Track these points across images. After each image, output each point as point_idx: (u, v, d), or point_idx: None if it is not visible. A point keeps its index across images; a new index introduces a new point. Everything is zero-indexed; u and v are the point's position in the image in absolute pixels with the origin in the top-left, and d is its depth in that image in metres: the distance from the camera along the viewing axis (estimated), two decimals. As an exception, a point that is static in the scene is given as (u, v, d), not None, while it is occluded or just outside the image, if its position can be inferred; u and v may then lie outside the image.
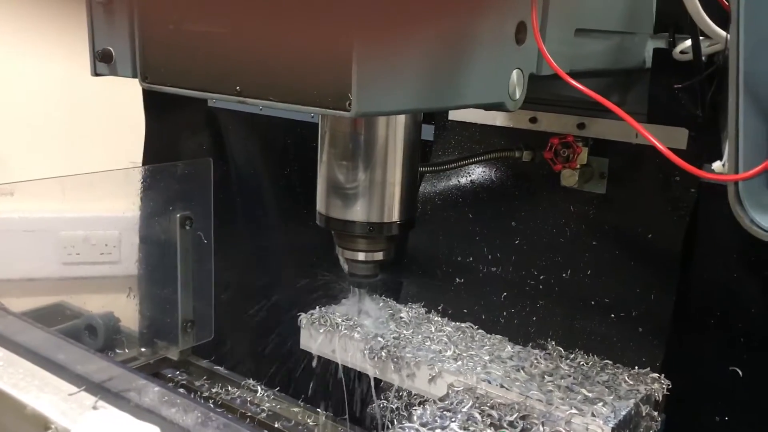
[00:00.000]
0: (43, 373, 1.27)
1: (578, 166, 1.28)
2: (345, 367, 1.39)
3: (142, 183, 1.77)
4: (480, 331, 1.38)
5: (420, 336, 1.35)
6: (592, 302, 1.32)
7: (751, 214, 0.75)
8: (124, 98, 1.90)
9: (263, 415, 1.63)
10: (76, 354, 1.34)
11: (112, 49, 0.92)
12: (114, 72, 0.93)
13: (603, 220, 1.32)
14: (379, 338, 1.32)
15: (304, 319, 1.42)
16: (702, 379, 1.26)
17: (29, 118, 2.29)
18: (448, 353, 1.28)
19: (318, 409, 1.62)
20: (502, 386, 1.17)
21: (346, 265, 1.23)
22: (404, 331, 1.36)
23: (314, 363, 1.44)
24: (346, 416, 1.55)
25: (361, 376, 1.39)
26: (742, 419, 1.24)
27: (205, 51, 0.83)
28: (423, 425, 1.07)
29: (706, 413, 1.26)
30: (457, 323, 1.41)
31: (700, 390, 1.26)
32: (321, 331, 1.38)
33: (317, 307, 1.43)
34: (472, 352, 1.29)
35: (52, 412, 1.15)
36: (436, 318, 1.44)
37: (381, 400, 1.39)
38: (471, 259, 1.45)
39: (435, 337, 1.35)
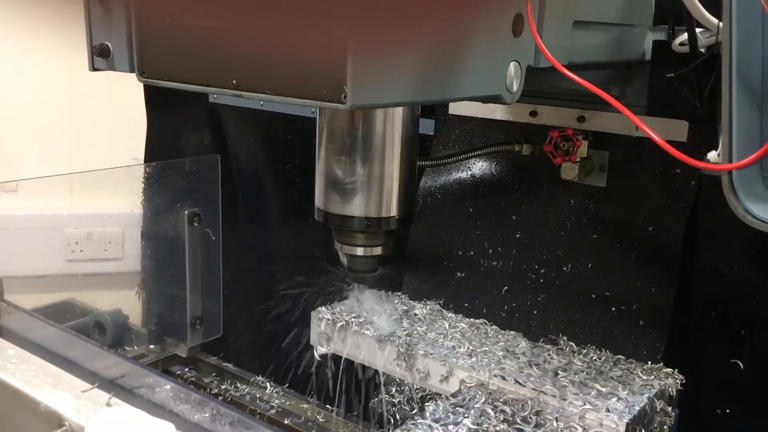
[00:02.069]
0: (55, 370, 1.27)
1: (578, 159, 1.28)
2: (355, 363, 1.39)
3: (149, 180, 1.78)
4: (494, 327, 1.38)
5: (434, 333, 1.35)
6: (593, 295, 1.32)
7: (744, 203, 0.75)
8: (126, 95, 1.91)
9: (273, 411, 1.63)
10: (88, 351, 1.34)
11: (109, 44, 0.92)
12: (111, 67, 0.93)
13: (603, 213, 1.32)
14: (394, 336, 1.32)
15: (314, 315, 1.42)
16: (703, 372, 1.25)
17: (32, 116, 2.30)
18: (462, 350, 1.29)
19: (327, 406, 1.62)
20: (516, 382, 1.17)
21: (345, 259, 1.23)
22: (418, 328, 1.36)
23: (324, 359, 1.44)
24: (355, 412, 1.56)
25: (370, 372, 1.39)
26: (743, 412, 1.24)
27: (202, 45, 0.83)
28: (435, 421, 1.06)
29: (707, 406, 1.26)
30: (471, 319, 1.41)
31: (701, 383, 1.25)
32: (332, 327, 1.38)
33: (327, 303, 1.43)
34: (486, 348, 1.29)
35: (66, 409, 1.15)
36: (450, 314, 1.44)
37: (384, 395, 1.40)
38: (472, 253, 1.45)
39: (449, 334, 1.35)
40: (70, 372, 1.26)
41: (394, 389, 1.38)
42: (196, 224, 1.75)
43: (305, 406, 1.65)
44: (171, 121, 1.98)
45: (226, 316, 1.88)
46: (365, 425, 1.53)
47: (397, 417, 1.38)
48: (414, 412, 1.32)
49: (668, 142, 0.86)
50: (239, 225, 1.90)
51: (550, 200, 1.37)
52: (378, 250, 1.19)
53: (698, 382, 1.25)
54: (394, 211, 1.13)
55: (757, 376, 1.21)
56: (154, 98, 1.94)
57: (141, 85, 1.02)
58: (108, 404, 1.17)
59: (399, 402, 1.37)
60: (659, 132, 1.12)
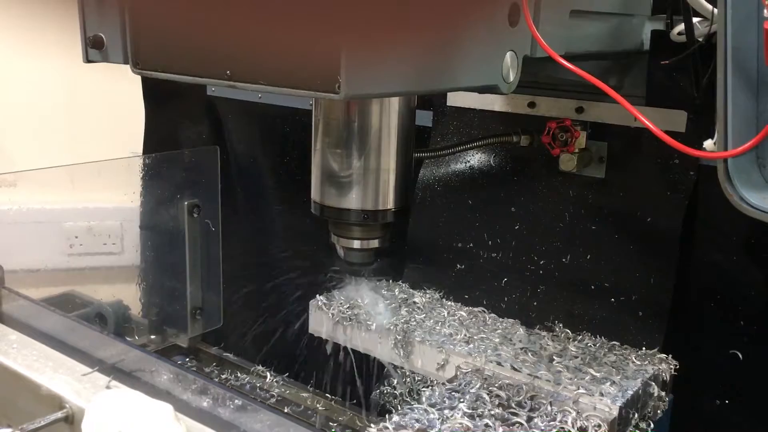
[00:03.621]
0: (56, 354, 1.30)
1: (576, 150, 1.28)
2: (353, 352, 1.39)
3: (149, 171, 1.78)
4: (492, 315, 1.39)
5: (432, 320, 1.35)
6: (592, 287, 1.32)
7: (740, 192, 0.74)
8: (125, 89, 1.90)
9: (272, 400, 1.64)
10: (89, 336, 1.36)
11: (103, 36, 0.92)
12: (105, 58, 0.93)
13: (602, 204, 1.32)
14: (391, 323, 1.32)
15: (312, 304, 1.42)
16: (702, 363, 1.25)
17: (30, 110, 2.30)
18: (459, 336, 1.29)
19: (327, 394, 1.63)
20: (513, 368, 1.17)
21: (342, 252, 1.23)
22: (416, 316, 1.36)
23: (323, 347, 1.44)
24: (354, 401, 1.56)
25: (369, 360, 1.39)
26: (743, 402, 1.24)
27: (196, 36, 0.83)
28: (432, 406, 1.07)
29: (707, 397, 1.26)
30: (470, 308, 1.41)
31: (701, 374, 1.25)
32: (330, 316, 1.38)
33: (325, 291, 1.44)
34: (483, 335, 1.29)
35: (67, 392, 1.18)
36: (449, 303, 1.44)
37: (385, 386, 1.40)
38: (471, 245, 1.45)
39: (447, 322, 1.35)
40: (71, 356, 1.28)
41: (396, 381, 1.38)
42: (195, 215, 1.76)
43: (305, 395, 1.66)
44: (169, 115, 1.97)
45: (226, 307, 1.88)
46: (365, 413, 1.53)
47: (398, 408, 1.38)
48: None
49: (666, 132, 0.86)
50: (238, 217, 1.91)
51: (549, 191, 1.37)
52: (375, 243, 1.19)
53: (697, 373, 1.25)
54: (390, 204, 1.13)
55: (756, 366, 1.21)
56: (152, 91, 1.93)
57: (139, 79, 1.03)
58: (108, 387, 1.19)
59: (401, 393, 1.37)
60: (657, 122, 1.11)
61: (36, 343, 1.33)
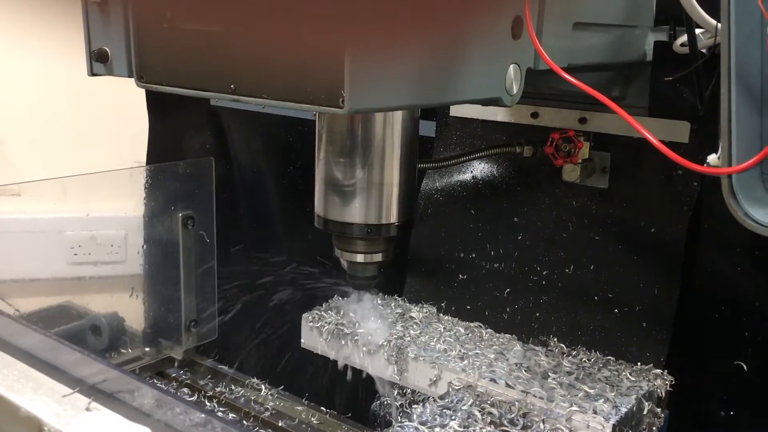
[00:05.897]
0: (37, 374, 1.28)
1: (579, 160, 1.28)
2: (347, 366, 1.39)
3: (144, 182, 1.78)
4: (489, 330, 1.38)
5: (427, 336, 1.34)
6: (596, 297, 1.31)
7: (744, 207, 0.74)
8: (128, 98, 1.91)
9: (267, 414, 1.63)
10: (71, 356, 1.35)
11: (108, 49, 0.92)
12: (110, 72, 0.93)
13: (605, 214, 1.32)
14: (385, 339, 1.32)
15: (305, 318, 1.41)
16: (707, 374, 1.25)
17: (35, 119, 2.30)
18: (454, 353, 1.28)
19: (322, 408, 1.62)
20: (507, 385, 1.16)
21: (346, 266, 1.23)
22: (411, 332, 1.35)
23: (320, 360, 1.44)
24: (350, 413, 1.56)
25: (363, 374, 1.39)
26: (748, 414, 1.23)
27: (200, 50, 0.83)
28: (422, 423, 1.06)
29: (711, 408, 1.25)
30: (467, 323, 1.41)
31: (705, 385, 1.25)
32: (322, 330, 1.38)
33: (318, 305, 1.43)
34: (478, 351, 1.29)
35: (46, 414, 1.16)
36: (445, 318, 1.43)
37: (385, 398, 1.39)
38: (474, 255, 1.45)
39: (442, 337, 1.34)
40: (52, 376, 1.27)
41: (396, 392, 1.37)
42: (189, 227, 1.75)
43: (300, 408, 1.65)
44: (173, 125, 1.98)
45: (225, 319, 1.88)
46: (360, 427, 1.53)
47: (398, 420, 1.38)
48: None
49: (670, 143, 0.86)
50: (240, 228, 1.91)
51: (552, 202, 1.37)
52: (378, 257, 1.18)
53: (702, 384, 1.24)
54: (394, 218, 1.13)
55: (761, 377, 1.20)
56: (156, 102, 1.94)
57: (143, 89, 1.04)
58: (87, 409, 1.18)
59: (401, 405, 1.37)
60: (661, 133, 1.12)
61: (18, 363, 1.31)
